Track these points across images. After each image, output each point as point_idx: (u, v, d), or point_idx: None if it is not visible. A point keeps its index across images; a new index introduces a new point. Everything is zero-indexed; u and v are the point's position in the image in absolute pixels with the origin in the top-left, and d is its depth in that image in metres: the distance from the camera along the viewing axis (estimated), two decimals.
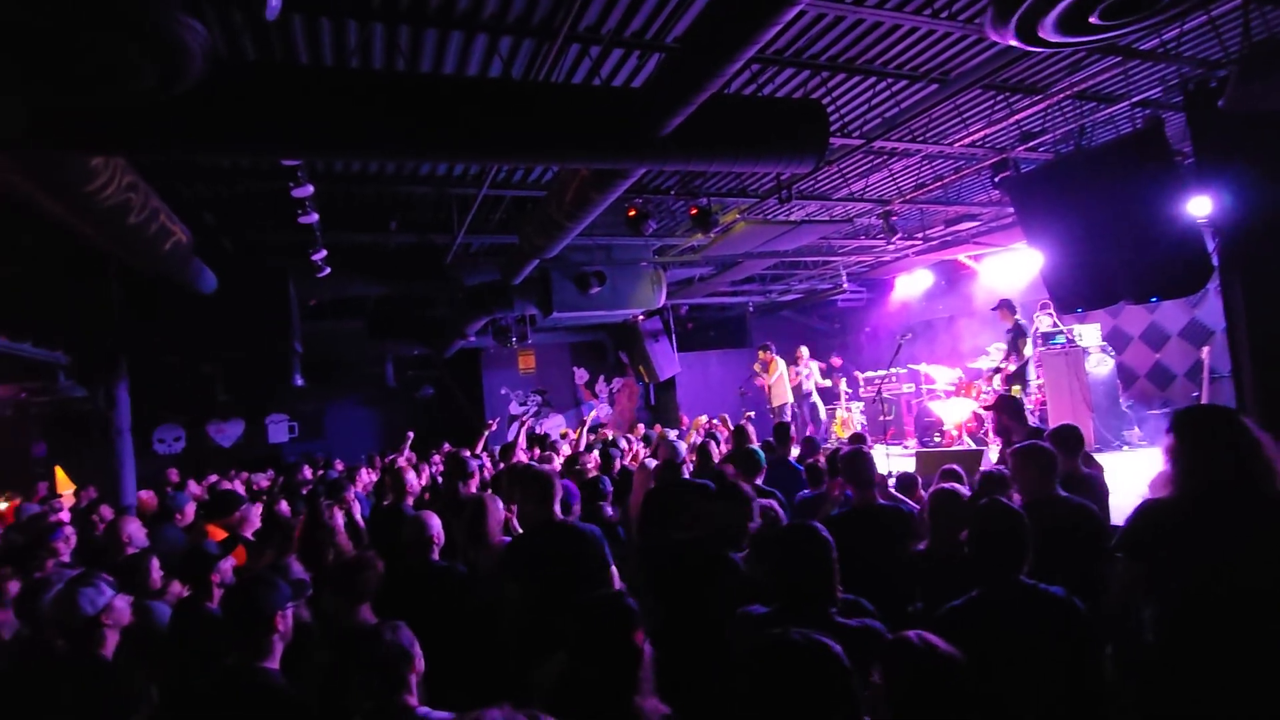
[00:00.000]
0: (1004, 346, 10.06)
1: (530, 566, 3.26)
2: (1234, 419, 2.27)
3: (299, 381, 9.57)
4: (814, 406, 11.42)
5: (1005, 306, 8.84)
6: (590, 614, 2.03)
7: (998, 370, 8.81)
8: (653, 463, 5.20)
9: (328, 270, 7.90)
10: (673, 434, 8.67)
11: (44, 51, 2.44)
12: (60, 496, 8.63)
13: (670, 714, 1.93)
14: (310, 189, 5.95)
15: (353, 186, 7.48)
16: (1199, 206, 5.95)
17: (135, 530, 4.18)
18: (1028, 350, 8.63)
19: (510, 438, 9.90)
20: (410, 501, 4.50)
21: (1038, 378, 9.25)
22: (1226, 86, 4.63)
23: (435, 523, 3.48)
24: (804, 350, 11.75)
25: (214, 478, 9.49)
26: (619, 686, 1.91)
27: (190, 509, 5.15)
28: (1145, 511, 2.32)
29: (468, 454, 5.99)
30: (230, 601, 2.47)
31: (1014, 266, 11.51)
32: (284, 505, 5.29)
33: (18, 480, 10.52)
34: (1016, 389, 8.38)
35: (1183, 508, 2.22)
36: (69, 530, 4.43)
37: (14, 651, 2.96)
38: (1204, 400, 8.40)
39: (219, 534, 4.44)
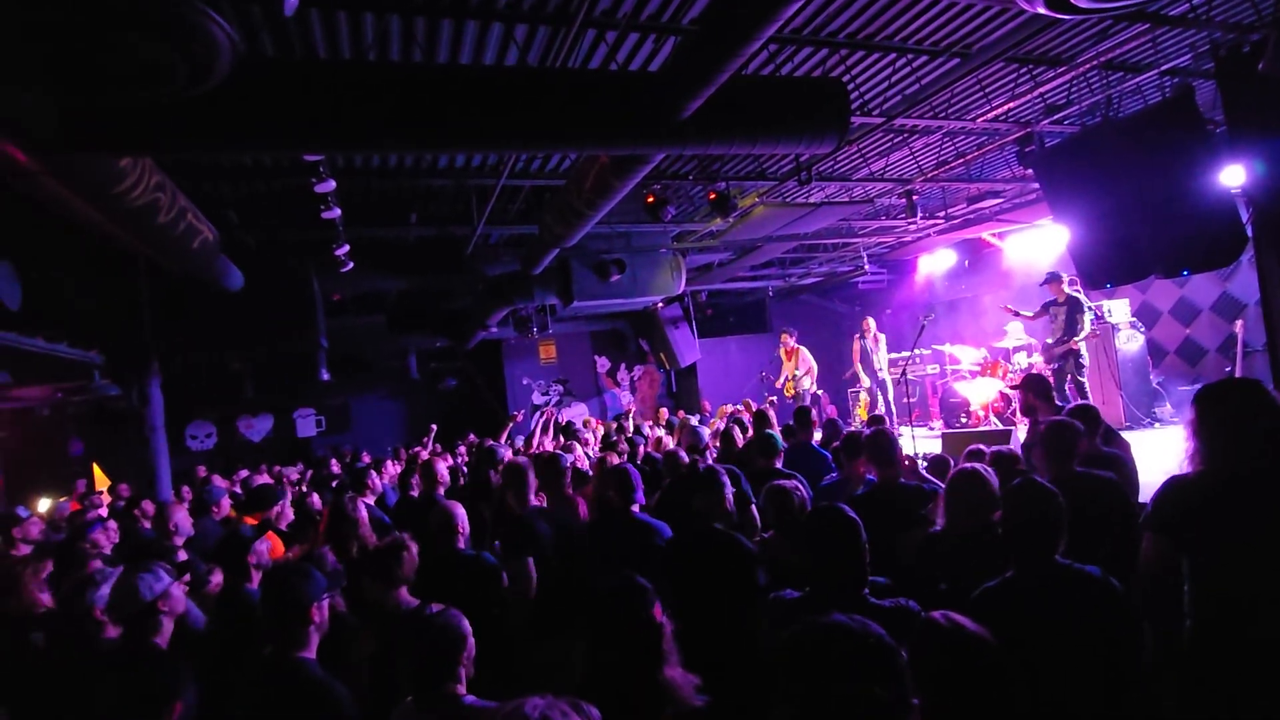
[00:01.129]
0: (1019, 326, 9.88)
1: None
2: (1262, 391, 2.22)
3: (325, 376, 9.71)
4: (884, 383, 10.83)
5: (1054, 280, 8.27)
6: (606, 600, 2.04)
7: (1061, 343, 8.11)
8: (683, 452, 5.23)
9: (350, 265, 7.98)
10: (695, 419, 8.69)
11: (74, 51, 2.48)
12: (99, 494, 8.84)
13: (700, 683, 1.94)
14: (332, 184, 6.01)
15: (372, 181, 7.53)
16: (1232, 176, 5.79)
17: (182, 519, 4.27)
18: (1087, 324, 8.08)
19: (532, 428, 9.93)
20: (442, 492, 4.55)
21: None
22: (1267, 49, 4.48)
23: (460, 512, 3.53)
24: (870, 322, 11.12)
25: (244, 473, 9.68)
26: (644, 664, 1.93)
27: (226, 502, 5.26)
28: (1170, 488, 2.28)
29: (493, 443, 6.07)
30: (266, 592, 2.51)
31: (1039, 243, 11.31)
32: (315, 498, 5.39)
33: (56, 478, 10.80)
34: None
35: (1210, 484, 2.17)
36: (111, 525, 4.54)
37: (60, 646, 3.03)
38: (1238, 375, 8.23)
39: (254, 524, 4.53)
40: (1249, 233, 5.52)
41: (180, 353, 8.40)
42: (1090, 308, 8.85)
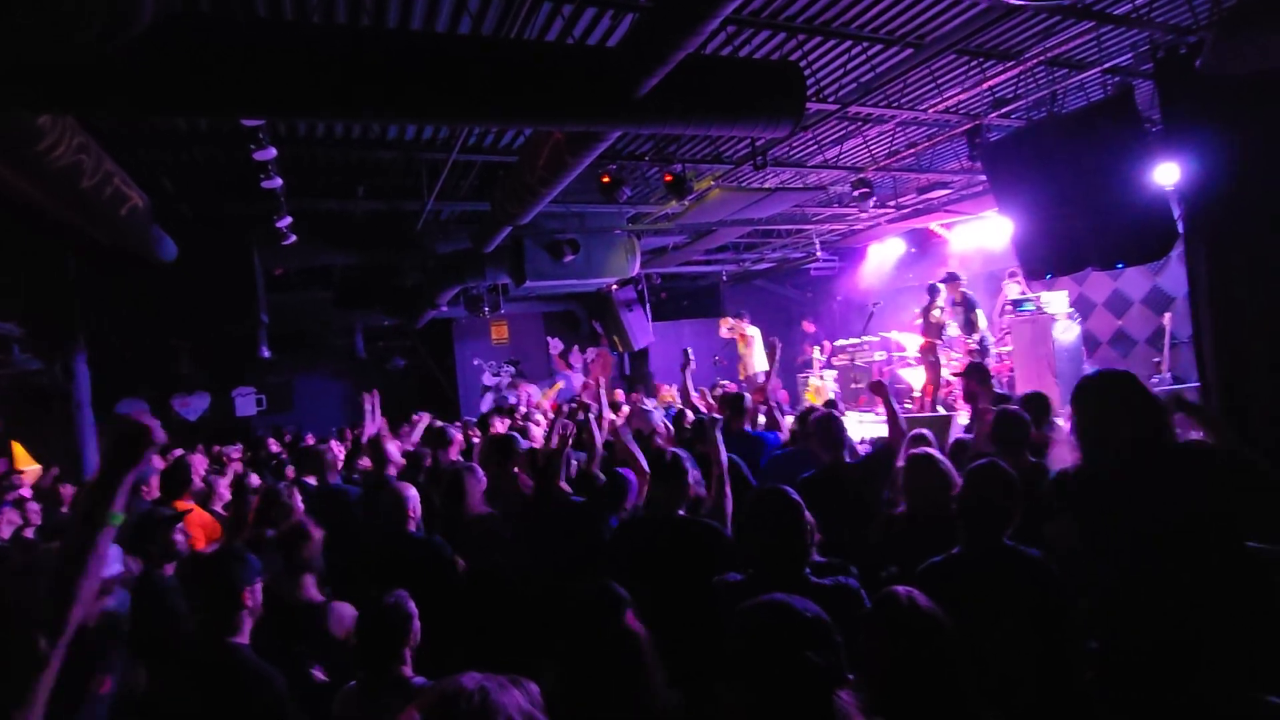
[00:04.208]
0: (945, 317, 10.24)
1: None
2: (1128, 380, 2.32)
3: (266, 353, 9.36)
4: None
5: (952, 280, 8.98)
6: (580, 613, 1.93)
7: (935, 343, 9.08)
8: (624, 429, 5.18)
9: (293, 238, 7.69)
10: (651, 403, 8.68)
11: None
12: (21, 473, 8.38)
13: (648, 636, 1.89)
14: (273, 152, 5.74)
15: (317, 151, 7.25)
16: (1166, 173, 6.02)
17: None
18: (982, 322, 8.80)
19: (484, 409, 9.75)
20: (392, 472, 4.44)
21: (1002, 345, 9.42)
22: (1203, 48, 4.65)
23: (413, 494, 3.45)
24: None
25: (179, 452, 9.28)
26: (627, 680, 1.84)
27: (155, 481, 5.03)
28: (1060, 477, 2.46)
29: (445, 424, 5.94)
30: (199, 576, 2.42)
31: (985, 234, 11.62)
32: (254, 479, 5.20)
33: None
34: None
35: (1091, 471, 2.31)
36: (33, 506, 4.31)
37: None
38: (1165, 366, 8.64)
39: (186, 507, 4.34)
40: (1180, 228, 5.75)
41: (110, 327, 7.98)
42: (1031, 298, 9.18)
